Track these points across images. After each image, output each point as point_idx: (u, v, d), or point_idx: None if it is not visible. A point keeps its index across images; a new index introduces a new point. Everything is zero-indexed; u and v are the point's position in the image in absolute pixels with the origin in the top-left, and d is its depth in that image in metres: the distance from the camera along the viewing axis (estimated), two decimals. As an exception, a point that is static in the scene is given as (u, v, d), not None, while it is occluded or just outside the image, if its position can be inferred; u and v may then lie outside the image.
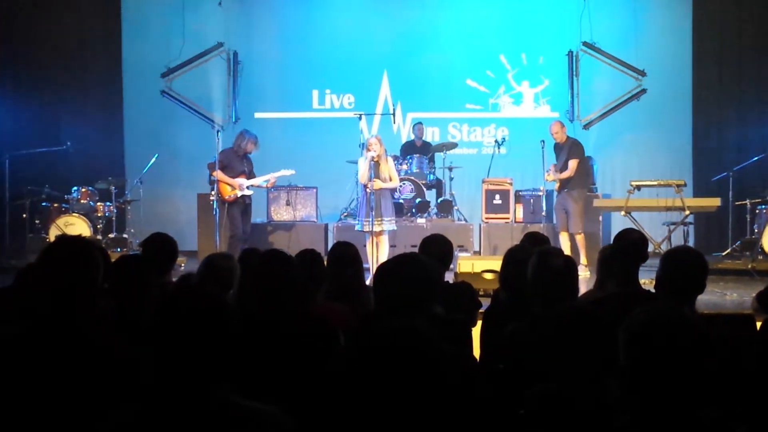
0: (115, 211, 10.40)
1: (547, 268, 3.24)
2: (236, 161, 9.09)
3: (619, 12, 11.69)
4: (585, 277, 8.21)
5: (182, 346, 1.85)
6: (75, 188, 10.25)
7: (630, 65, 11.05)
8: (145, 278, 3.31)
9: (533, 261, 3.31)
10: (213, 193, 9.00)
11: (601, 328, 2.47)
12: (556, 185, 9.34)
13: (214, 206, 8.93)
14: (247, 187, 9.06)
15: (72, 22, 11.67)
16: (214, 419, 1.83)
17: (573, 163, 9.20)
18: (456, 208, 10.51)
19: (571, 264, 3.38)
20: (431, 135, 11.93)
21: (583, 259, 9.00)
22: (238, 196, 9.02)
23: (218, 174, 8.92)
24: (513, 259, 3.84)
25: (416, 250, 4.22)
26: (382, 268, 2.97)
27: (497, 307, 3.97)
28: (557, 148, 9.42)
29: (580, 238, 9.20)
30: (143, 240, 4.38)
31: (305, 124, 12.00)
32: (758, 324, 4.08)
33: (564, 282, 3.25)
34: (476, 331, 3.85)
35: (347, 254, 4.24)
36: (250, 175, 9.17)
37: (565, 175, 9.18)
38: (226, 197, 8.97)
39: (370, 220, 8.12)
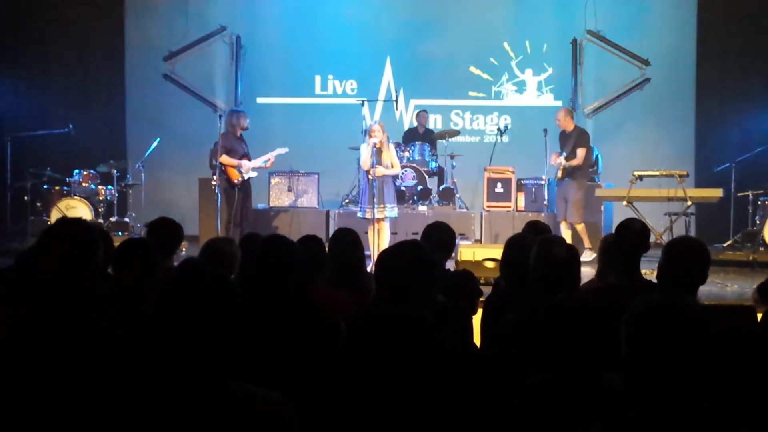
0: (117, 194, 10.40)
1: (549, 257, 3.24)
2: (237, 144, 9.05)
3: (624, 1, 11.64)
4: (588, 270, 8.18)
5: (186, 328, 1.84)
6: (77, 171, 10.25)
7: (634, 54, 11.00)
8: (149, 262, 3.31)
9: (535, 249, 3.30)
10: (215, 178, 8.95)
11: (601, 319, 2.46)
12: (559, 173, 9.29)
13: (216, 191, 8.89)
14: (252, 169, 9.04)
15: (75, 4, 11.63)
16: (217, 403, 1.83)
17: (581, 152, 9.17)
18: (457, 195, 10.49)
19: (573, 253, 3.37)
20: (433, 122, 11.90)
21: (586, 243, 9.00)
22: (245, 179, 8.99)
23: (224, 159, 8.84)
24: (514, 247, 3.84)
25: (418, 237, 4.21)
26: (384, 255, 2.97)
27: (498, 295, 3.97)
28: (564, 136, 9.35)
29: (580, 228, 9.19)
30: (149, 222, 4.37)
31: (308, 109, 11.96)
32: (759, 316, 4.09)
33: (565, 271, 3.25)
34: (477, 319, 3.85)
35: (348, 241, 4.24)
36: (247, 157, 9.13)
37: (574, 162, 9.14)
38: (236, 181, 8.92)
39: (372, 206, 8.11)
